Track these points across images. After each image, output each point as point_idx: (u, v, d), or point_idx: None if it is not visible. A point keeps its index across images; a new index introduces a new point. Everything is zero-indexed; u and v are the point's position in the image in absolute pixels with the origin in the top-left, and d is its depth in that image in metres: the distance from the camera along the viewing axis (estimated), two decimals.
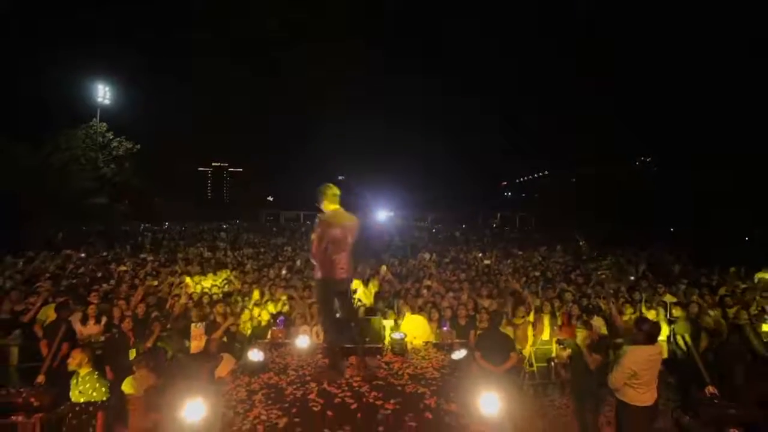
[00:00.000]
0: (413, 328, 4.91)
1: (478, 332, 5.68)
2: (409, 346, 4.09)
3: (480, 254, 14.12)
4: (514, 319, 6.12)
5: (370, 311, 5.85)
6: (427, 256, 13.97)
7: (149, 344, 5.03)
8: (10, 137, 21.90)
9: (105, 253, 12.08)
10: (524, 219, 45.92)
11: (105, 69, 31.23)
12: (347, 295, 3.68)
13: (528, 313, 6.17)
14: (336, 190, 3.51)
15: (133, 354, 4.96)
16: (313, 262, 3.49)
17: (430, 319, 5.79)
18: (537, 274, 9.92)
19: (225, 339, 5.35)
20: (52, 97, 29.58)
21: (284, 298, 6.67)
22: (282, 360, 3.79)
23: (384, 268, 8.28)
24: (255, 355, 3.49)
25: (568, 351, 4.59)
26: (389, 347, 4.06)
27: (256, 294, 7.00)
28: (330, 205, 3.50)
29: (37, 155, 23.94)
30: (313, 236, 3.42)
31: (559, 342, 4.58)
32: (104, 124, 29.25)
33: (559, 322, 5.99)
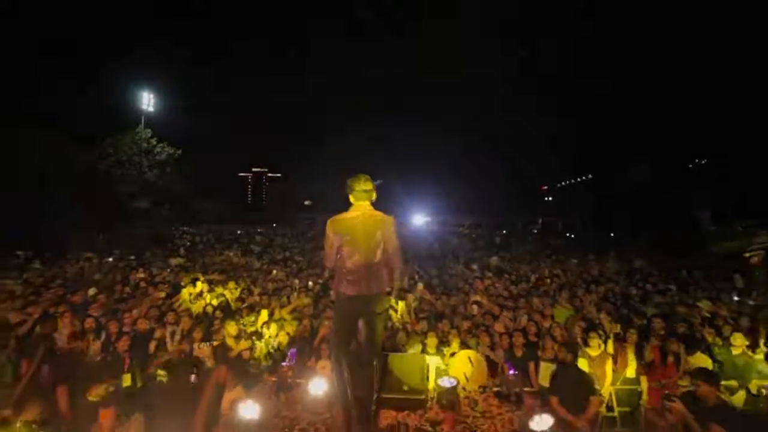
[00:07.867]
0: (465, 367, 3.82)
1: (545, 367, 4.51)
2: (461, 393, 3.03)
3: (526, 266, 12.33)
4: (588, 350, 4.86)
5: (406, 333, 4.79)
6: (475, 267, 12.57)
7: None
8: (72, 138, 22.95)
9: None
10: (567, 224, 43.75)
11: (150, 77, 32.51)
12: (369, 321, 2.76)
13: (605, 342, 4.89)
14: (365, 185, 3.04)
15: (127, 380, 4.20)
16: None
17: (478, 346, 4.68)
18: (601, 288, 8.28)
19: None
20: (101, 104, 31.08)
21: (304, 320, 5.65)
22: (290, 412, 2.85)
23: (420, 286, 7.11)
24: (249, 410, 2.52)
25: (678, 405, 3.31)
26: (435, 397, 3.01)
27: (264, 314, 5.98)
28: (356, 202, 3.08)
29: (88, 158, 25.04)
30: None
31: (667, 398, 3.33)
32: (149, 130, 30.32)
33: (649, 359, 4.68)
